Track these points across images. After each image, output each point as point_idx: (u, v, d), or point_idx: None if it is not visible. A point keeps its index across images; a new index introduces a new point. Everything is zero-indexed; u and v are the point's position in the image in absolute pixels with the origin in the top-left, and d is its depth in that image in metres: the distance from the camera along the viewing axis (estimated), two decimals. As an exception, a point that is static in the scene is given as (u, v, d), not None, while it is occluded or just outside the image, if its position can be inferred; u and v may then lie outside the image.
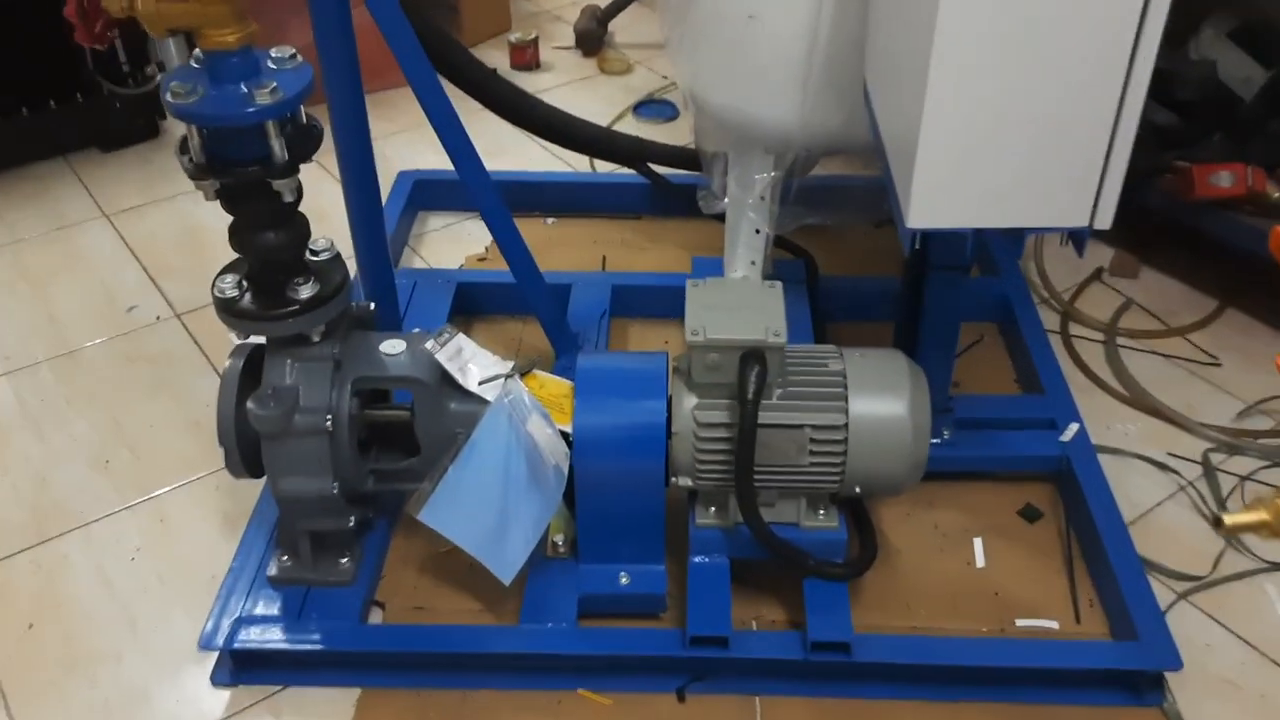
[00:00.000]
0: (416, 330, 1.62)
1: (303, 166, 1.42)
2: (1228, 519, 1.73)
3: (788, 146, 1.88)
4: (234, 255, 1.51)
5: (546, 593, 1.59)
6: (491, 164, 1.79)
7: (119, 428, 1.99)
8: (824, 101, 1.76)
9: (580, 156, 2.68)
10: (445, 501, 1.51)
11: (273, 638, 1.55)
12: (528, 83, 3.06)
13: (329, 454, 1.51)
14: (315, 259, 1.52)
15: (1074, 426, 1.84)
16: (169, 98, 1.31)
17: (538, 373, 1.61)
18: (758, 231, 1.94)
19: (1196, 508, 1.83)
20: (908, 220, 1.34)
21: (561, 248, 2.41)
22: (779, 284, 1.56)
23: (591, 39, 3.34)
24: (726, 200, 1.99)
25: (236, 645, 1.53)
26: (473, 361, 1.57)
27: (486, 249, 2.42)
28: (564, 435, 1.53)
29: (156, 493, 1.86)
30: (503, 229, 1.82)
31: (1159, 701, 1.53)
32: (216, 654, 1.58)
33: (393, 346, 1.56)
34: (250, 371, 1.54)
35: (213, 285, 1.48)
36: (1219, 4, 2.30)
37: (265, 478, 1.57)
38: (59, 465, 1.92)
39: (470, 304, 2.20)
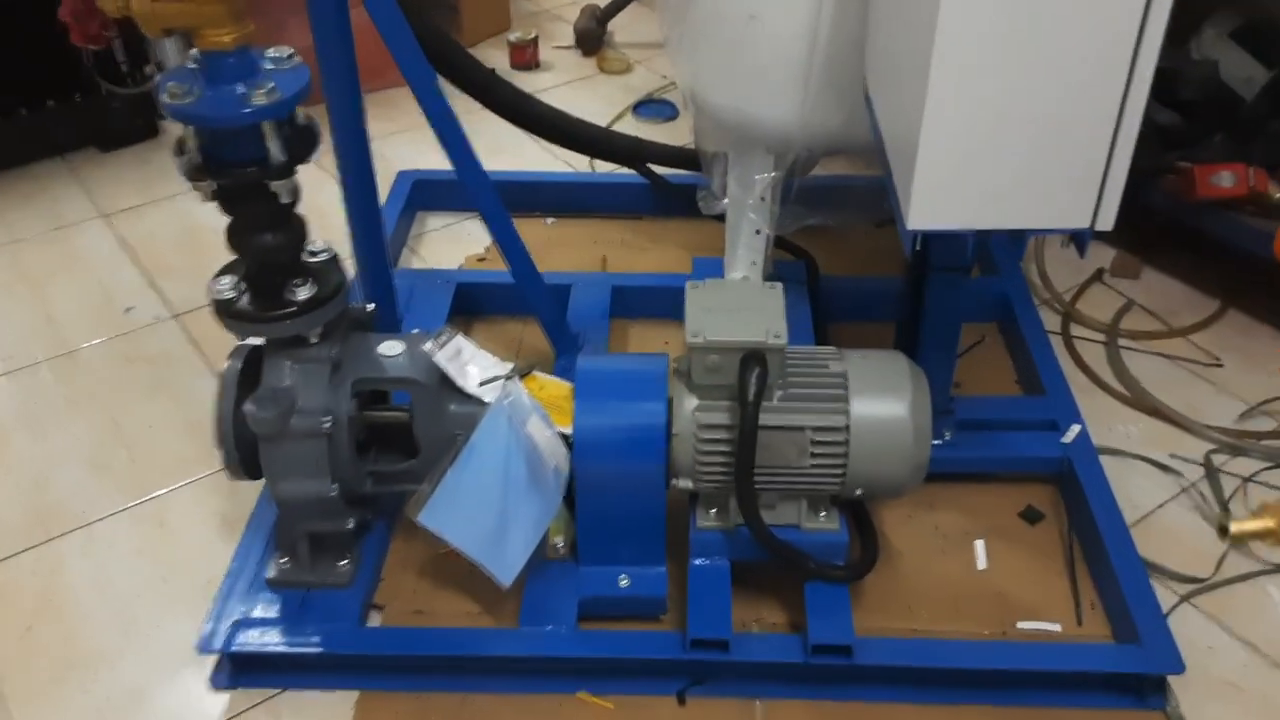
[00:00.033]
0: (415, 331, 1.61)
1: (301, 167, 1.41)
2: (1233, 527, 1.74)
3: (788, 147, 1.88)
4: (233, 256, 1.50)
5: (546, 595, 1.59)
6: (490, 164, 1.78)
7: (117, 429, 1.99)
8: (824, 101, 1.76)
9: (580, 156, 2.67)
10: (444, 503, 1.50)
11: (271, 640, 1.54)
12: (527, 82, 3.05)
13: (327, 456, 1.51)
14: (313, 260, 1.51)
15: (1075, 428, 1.83)
16: (165, 98, 1.31)
17: (537, 374, 1.60)
18: (758, 232, 1.94)
19: (1199, 509, 1.83)
20: (909, 221, 1.34)
21: (561, 248, 2.40)
22: (779, 285, 1.56)
23: (591, 38, 3.34)
24: (727, 201, 1.98)
25: (235, 648, 1.53)
26: (472, 363, 1.56)
27: (486, 249, 2.41)
28: (564, 437, 1.53)
29: (155, 494, 1.86)
30: (502, 229, 1.81)
31: (1161, 705, 1.52)
32: (215, 656, 1.57)
33: (391, 348, 1.56)
34: (249, 373, 1.53)
35: (210, 286, 1.47)
36: (1221, 3, 2.30)
37: (264, 479, 1.56)
38: (57, 466, 1.92)
39: (470, 305, 2.19)
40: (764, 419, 1.46)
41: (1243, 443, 1.93)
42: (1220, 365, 2.12)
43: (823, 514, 1.58)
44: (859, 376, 1.51)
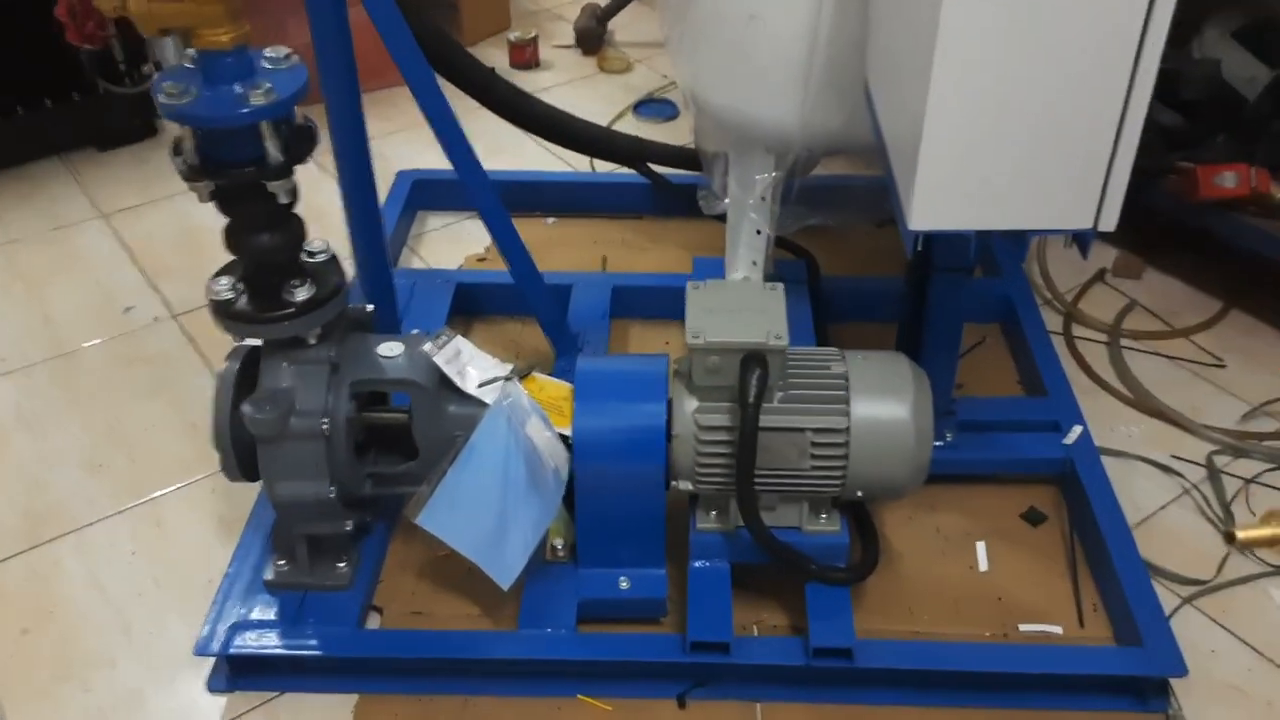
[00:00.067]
0: (415, 332, 1.60)
1: (300, 166, 1.40)
2: (1240, 534, 1.73)
3: (788, 147, 1.87)
4: (232, 256, 1.50)
5: (546, 597, 1.58)
6: (490, 164, 1.78)
7: (115, 430, 1.98)
8: (825, 101, 1.75)
9: (580, 156, 2.66)
10: (443, 505, 1.50)
11: (269, 643, 1.53)
12: (527, 81, 3.05)
13: (325, 458, 1.50)
14: (311, 260, 1.51)
15: (1077, 429, 1.83)
16: (162, 98, 1.30)
17: (537, 375, 1.60)
18: (759, 232, 1.93)
19: (1201, 511, 1.82)
20: (910, 222, 1.33)
21: (561, 248, 2.39)
22: (780, 286, 1.55)
23: (591, 37, 3.33)
24: (727, 200, 1.98)
25: (232, 651, 1.52)
26: (471, 364, 1.56)
27: (486, 249, 2.40)
28: (563, 438, 1.52)
29: (152, 496, 1.85)
30: (501, 229, 1.80)
31: (1164, 708, 1.52)
32: (212, 659, 1.56)
33: (390, 349, 1.55)
34: (247, 374, 1.53)
35: (207, 287, 1.46)
36: (1223, 2, 2.29)
37: (261, 481, 1.56)
38: (54, 468, 1.91)
39: (470, 305, 2.19)
40: (764, 420, 1.45)
41: (1245, 444, 1.93)
42: (1223, 366, 2.11)
43: (823, 516, 1.57)
44: (860, 378, 1.51)
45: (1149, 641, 1.51)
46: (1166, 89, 1.99)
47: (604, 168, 2.66)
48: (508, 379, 1.53)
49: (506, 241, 1.81)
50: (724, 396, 1.48)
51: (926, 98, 1.23)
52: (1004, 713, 1.52)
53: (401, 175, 2.54)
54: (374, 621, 1.63)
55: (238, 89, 1.31)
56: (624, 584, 1.58)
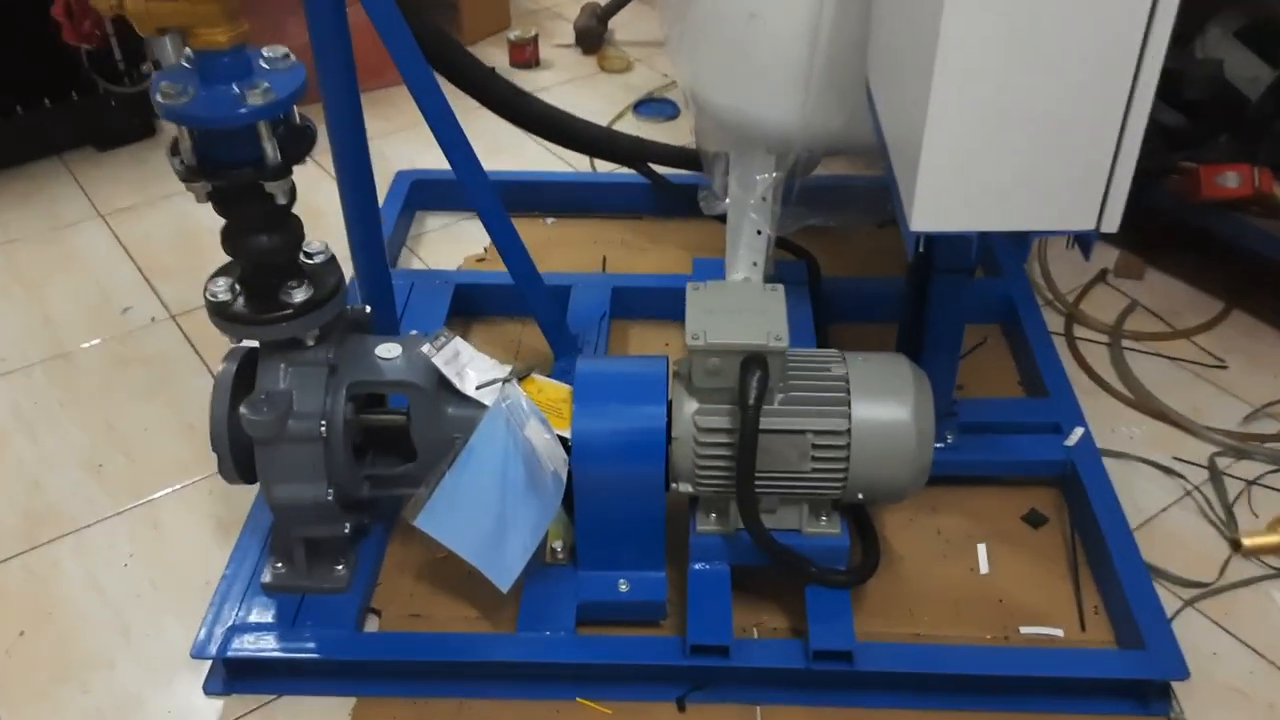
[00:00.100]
0: (414, 333, 1.60)
1: (299, 166, 1.40)
2: (1246, 540, 1.73)
3: (789, 147, 1.86)
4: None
5: (545, 600, 1.57)
6: (490, 163, 1.77)
7: (113, 431, 1.98)
8: (825, 102, 1.74)
9: (580, 156, 2.66)
10: (442, 507, 1.49)
11: (267, 646, 1.53)
12: (527, 81, 3.04)
13: (323, 460, 1.49)
14: (309, 261, 1.50)
15: (1079, 430, 1.82)
16: (159, 98, 1.29)
17: (536, 377, 1.59)
18: (759, 232, 1.92)
19: (1203, 513, 1.81)
20: (912, 223, 1.32)
21: (561, 248, 2.39)
22: (780, 287, 1.54)
23: (591, 36, 3.33)
24: (728, 201, 1.97)
25: (230, 653, 1.51)
26: (470, 365, 1.55)
27: (485, 250, 2.40)
28: (563, 440, 1.51)
29: (150, 497, 1.85)
30: (501, 229, 1.80)
31: (1166, 711, 1.51)
32: (210, 662, 1.56)
33: (389, 350, 1.55)
34: (244, 375, 1.52)
35: (205, 288, 1.46)
36: (1226, 2, 2.28)
37: (259, 483, 1.55)
38: (52, 469, 1.90)
39: (469, 305, 2.18)
40: (765, 422, 1.44)
41: (1247, 445, 1.92)
42: (1224, 367, 2.11)
43: (824, 518, 1.57)
44: (861, 379, 1.50)
45: (1151, 644, 1.51)
46: (1169, 89, 1.99)
47: (604, 168, 2.65)
48: (506, 380, 1.52)
49: (506, 242, 1.81)
50: (724, 398, 1.48)
51: (928, 98, 1.22)
52: (1005, 716, 1.51)
53: (400, 175, 2.54)
54: (372, 624, 1.62)
55: (235, 89, 1.31)
56: (623, 586, 1.57)
